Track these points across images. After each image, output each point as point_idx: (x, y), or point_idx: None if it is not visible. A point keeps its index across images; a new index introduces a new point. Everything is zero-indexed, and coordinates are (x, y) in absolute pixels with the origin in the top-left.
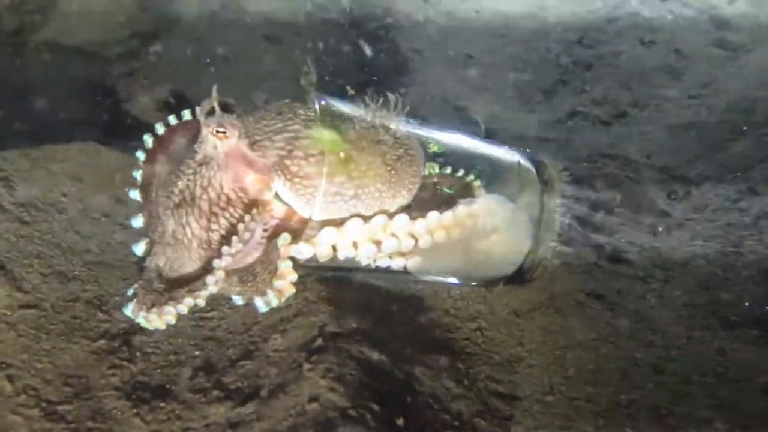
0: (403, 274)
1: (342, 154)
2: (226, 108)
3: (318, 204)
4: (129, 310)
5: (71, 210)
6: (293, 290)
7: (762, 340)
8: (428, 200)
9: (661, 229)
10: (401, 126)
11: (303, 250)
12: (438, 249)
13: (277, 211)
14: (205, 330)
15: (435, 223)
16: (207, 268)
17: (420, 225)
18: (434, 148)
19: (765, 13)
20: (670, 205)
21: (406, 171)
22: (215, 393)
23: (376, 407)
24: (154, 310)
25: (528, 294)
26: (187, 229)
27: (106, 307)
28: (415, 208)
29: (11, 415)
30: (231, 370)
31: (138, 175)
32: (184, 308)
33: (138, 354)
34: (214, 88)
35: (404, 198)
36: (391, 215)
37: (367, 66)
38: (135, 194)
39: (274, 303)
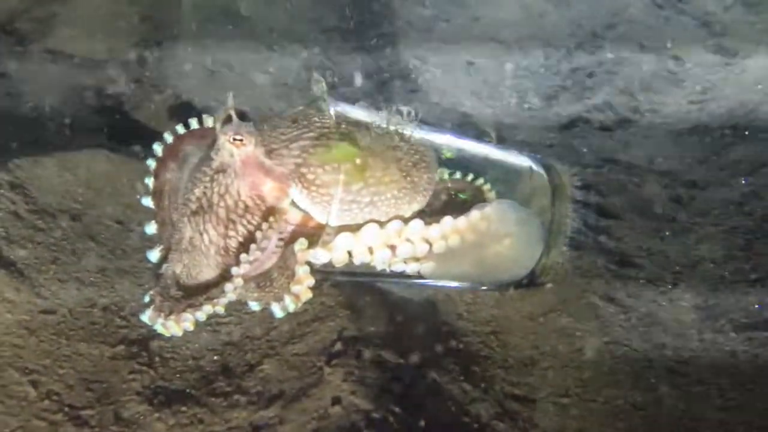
0: (417, 278)
1: (358, 162)
2: (241, 116)
3: (334, 211)
4: (146, 317)
5: (84, 217)
6: (310, 295)
7: None
8: (442, 205)
9: (667, 233)
10: (415, 132)
11: (320, 256)
12: (452, 254)
13: (293, 217)
14: (222, 335)
15: (449, 228)
16: (225, 275)
17: (434, 230)
18: (447, 154)
19: (761, 19)
20: (675, 210)
21: (421, 177)
22: (236, 397)
23: (397, 410)
24: (172, 317)
25: (541, 297)
26: (205, 236)
27: (123, 313)
28: (429, 214)
29: (36, 420)
30: (251, 375)
31: (150, 182)
32: (202, 315)
33: (157, 359)
34: (230, 96)
35: (419, 203)
36: (406, 220)
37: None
38: (147, 201)
39: (291, 308)
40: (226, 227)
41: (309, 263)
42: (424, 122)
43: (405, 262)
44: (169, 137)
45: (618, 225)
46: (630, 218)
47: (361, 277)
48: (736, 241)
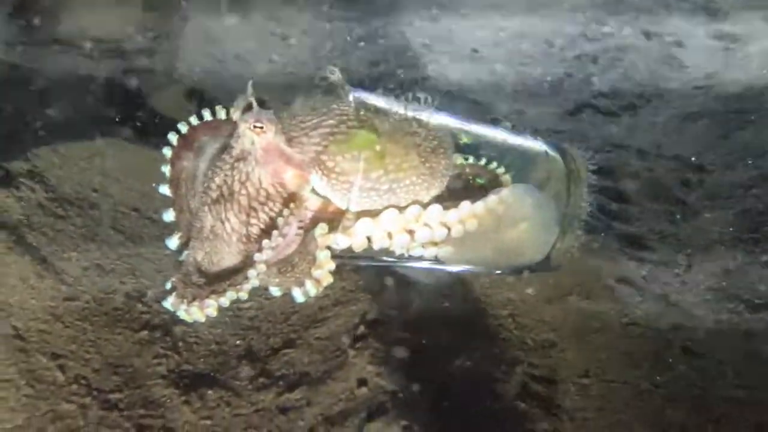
0: (435, 263)
1: (377, 148)
2: (261, 104)
3: (354, 198)
4: (169, 304)
5: (102, 205)
6: (331, 279)
7: None
8: (459, 190)
9: (678, 216)
10: (432, 117)
11: (340, 241)
12: (469, 238)
13: (313, 203)
14: (244, 320)
15: (467, 213)
16: (247, 262)
17: (452, 215)
18: (464, 139)
19: (763, 4)
20: (685, 193)
21: (439, 162)
22: (261, 380)
23: (422, 391)
24: (195, 303)
25: (557, 281)
26: (227, 225)
27: (144, 299)
28: (447, 198)
29: (65, 404)
30: (274, 358)
31: (166, 170)
32: (226, 301)
33: (180, 344)
34: (250, 84)
35: (437, 189)
36: (424, 206)
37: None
38: (164, 189)
39: (312, 293)
40: (248, 215)
41: (329, 248)
42: (439, 108)
43: (423, 247)
44: (183, 127)
45: (629, 209)
46: (641, 202)
47: (379, 261)
48: (746, 224)
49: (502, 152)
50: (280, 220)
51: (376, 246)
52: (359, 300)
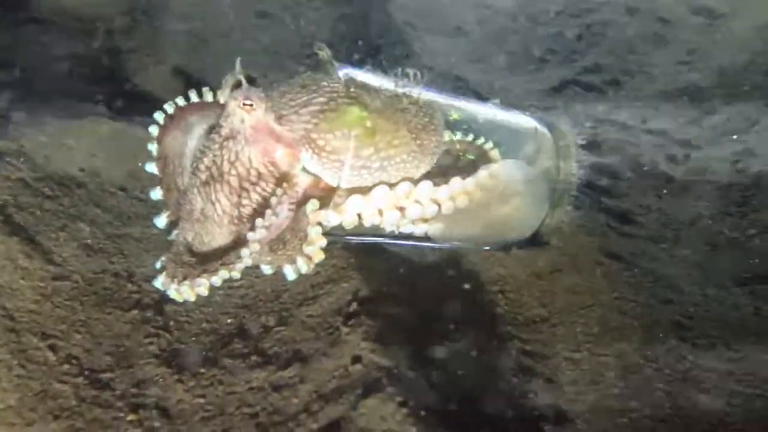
0: (425, 239)
1: (368, 125)
2: (250, 81)
3: (345, 175)
4: (159, 283)
5: (89, 184)
6: (323, 256)
7: None
8: (449, 166)
9: (665, 192)
10: (422, 94)
11: (331, 218)
12: (459, 214)
13: (304, 181)
14: (235, 298)
15: (457, 189)
16: (239, 241)
17: (443, 191)
18: (454, 116)
19: None
20: (672, 168)
21: (430, 139)
22: (254, 358)
23: (417, 367)
24: (186, 282)
25: (547, 256)
26: (218, 206)
27: (134, 279)
28: (437, 174)
29: (58, 384)
30: (267, 336)
31: (153, 148)
32: (218, 280)
33: (171, 323)
34: (238, 62)
35: (427, 165)
36: (415, 182)
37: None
38: (151, 167)
39: (304, 270)
40: (240, 196)
41: (320, 224)
42: (428, 84)
43: (413, 224)
44: (170, 107)
45: (617, 184)
46: (628, 177)
47: (370, 238)
48: (731, 198)
49: (491, 128)
50: (273, 200)
51: (366, 223)
52: (351, 277)
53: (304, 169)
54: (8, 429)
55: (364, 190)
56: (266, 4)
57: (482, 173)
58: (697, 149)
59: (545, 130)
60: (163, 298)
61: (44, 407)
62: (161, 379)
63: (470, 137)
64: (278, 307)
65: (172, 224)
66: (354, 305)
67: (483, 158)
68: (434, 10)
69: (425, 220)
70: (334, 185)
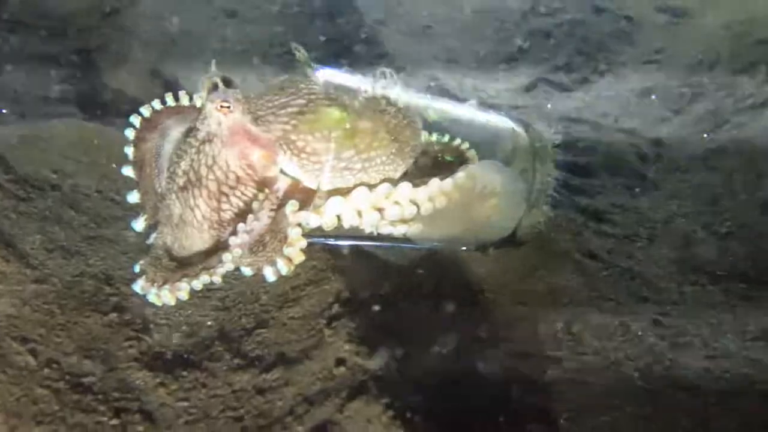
0: (403, 240)
1: (348, 127)
2: (227, 83)
3: (326, 177)
4: (138, 287)
5: (63, 186)
6: (303, 257)
7: (749, 293)
8: (427, 167)
9: (638, 190)
10: (400, 95)
11: (311, 219)
12: (438, 215)
13: (283, 183)
14: (214, 300)
15: (436, 190)
16: (220, 245)
17: (422, 192)
18: (432, 116)
19: None
20: (644, 167)
21: (408, 140)
22: (236, 361)
23: (402, 369)
24: (167, 286)
25: (525, 256)
26: (197, 212)
27: (112, 281)
28: (415, 175)
29: (39, 389)
30: (248, 339)
31: (129, 152)
32: (198, 284)
33: (151, 326)
34: (213, 63)
35: (405, 166)
36: (394, 183)
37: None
38: (128, 171)
39: (284, 271)
40: (219, 200)
41: (300, 226)
42: (405, 85)
43: (392, 225)
44: (146, 111)
45: (590, 183)
46: (601, 176)
47: (348, 240)
48: (704, 196)
49: (468, 129)
50: (255, 204)
51: (346, 224)
52: (331, 279)
53: (282, 172)
54: None
55: (344, 192)
56: (235, 3)
57: (460, 174)
58: (668, 148)
59: (522, 131)
60: (142, 301)
61: (26, 412)
62: (143, 383)
63: (447, 138)
64: (258, 309)
65: (150, 227)
66: (336, 307)
67: (460, 159)
68: (403, 8)
69: (404, 221)
70: (313, 186)
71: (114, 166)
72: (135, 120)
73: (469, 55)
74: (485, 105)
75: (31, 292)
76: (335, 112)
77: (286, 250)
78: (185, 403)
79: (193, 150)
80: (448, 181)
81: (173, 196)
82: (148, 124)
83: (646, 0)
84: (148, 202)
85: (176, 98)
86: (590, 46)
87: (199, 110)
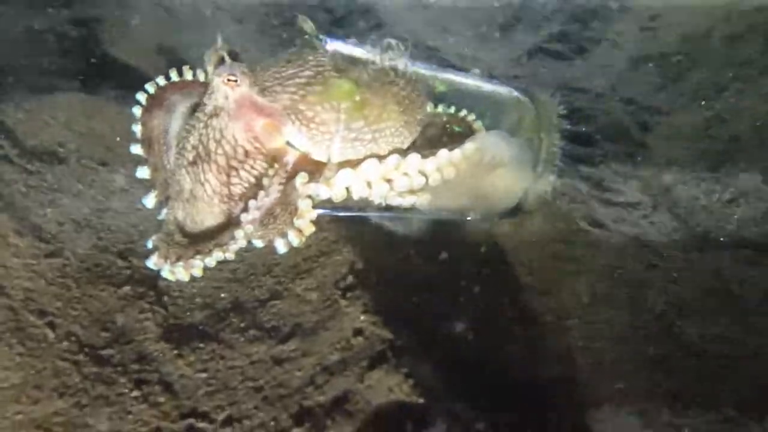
0: (412, 211)
1: (357, 99)
2: (233, 56)
3: (336, 149)
4: (152, 263)
5: (69, 160)
6: (313, 229)
7: (753, 259)
8: (435, 138)
9: (639, 159)
10: (407, 66)
11: (321, 191)
12: (446, 185)
13: (291, 157)
14: (225, 273)
15: (444, 161)
16: (231, 220)
17: (430, 163)
18: (440, 87)
19: None
20: (644, 135)
21: (416, 112)
22: (252, 332)
23: (419, 338)
24: (180, 263)
25: (532, 225)
26: (207, 186)
27: (124, 254)
28: (423, 147)
29: (59, 361)
30: (263, 310)
31: (137, 130)
32: (212, 261)
33: (165, 298)
34: (219, 37)
35: (412, 137)
36: (403, 154)
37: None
38: (136, 149)
39: (295, 243)
40: (228, 175)
41: (310, 197)
42: (412, 56)
43: (401, 196)
44: (151, 88)
45: (592, 152)
46: (602, 145)
47: (358, 211)
48: (705, 164)
49: (475, 99)
50: (265, 180)
51: (355, 196)
52: (343, 251)
53: (290, 145)
54: (15, 407)
55: (354, 163)
56: None
57: (468, 145)
58: (668, 116)
59: (527, 101)
60: (154, 274)
61: (48, 384)
62: (161, 355)
63: (453, 109)
64: (270, 281)
65: (161, 203)
66: (350, 278)
67: (468, 130)
68: None
69: (412, 192)
70: (322, 158)
71: (118, 139)
72: (141, 97)
73: (463, 24)
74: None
75: (45, 266)
76: (345, 84)
77: (297, 222)
78: (204, 375)
79: (201, 125)
80: (457, 151)
81: (183, 171)
82: (154, 101)
83: None
84: (158, 178)
85: (180, 73)
86: (585, 13)
87: (204, 84)
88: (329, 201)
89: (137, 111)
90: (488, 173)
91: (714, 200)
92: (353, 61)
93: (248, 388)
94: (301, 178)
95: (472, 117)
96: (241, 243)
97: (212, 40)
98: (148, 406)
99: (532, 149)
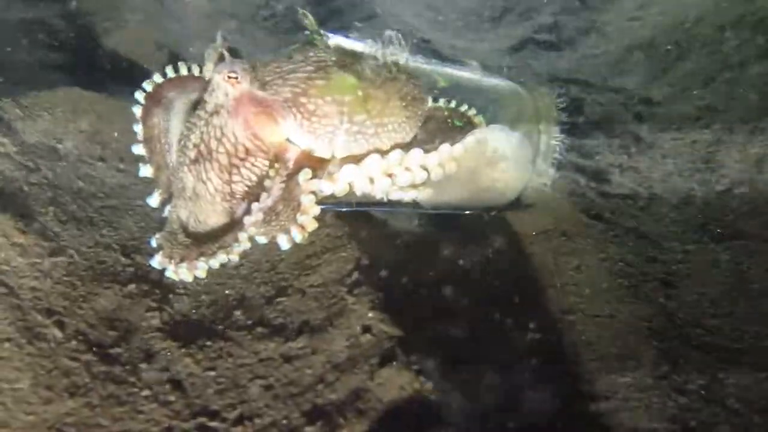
0: (413, 205)
1: (360, 94)
2: (233, 53)
3: (339, 143)
4: (156, 262)
5: (69, 156)
6: (316, 225)
7: (750, 249)
8: (436, 133)
9: (633, 150)
10: (408, 61)
11: (324, 187)
12: (447, 180)
13: (292, 154)
14: (229, 269)
15: (446, 156)
16: (234, 219)
17: (432, 158)
18: (442, 83)
19: None
20: (638, 127)
21: (418, 107)
22: (260, 329)
23: (428, 336)
24: (184, 264)
25: (532, 219)
26: (209, 185)
27: (127, 251)
28: (425, 141)
29: (69, 361)
30: (269, 307)
31: (138, 130)
32: (216, 263)
33: (170, 296)
34: (219, 35)
35: (413, 132)
36: (405, 149)
37: None
38: (138, 149)
39: (298, 239)
40: (230, 173)
41: (314, 193)
42: (413, 50)
43: (403, 190)
44: (149, 85)
45: (586, 143)
46: (596, 136)
47: (359, 207)
48: (698, 154)
49: (474, 93)
50: (267, 182)
51: (358, 191)
52: (347, 246)
53: (289, 141)
54: (27, 408)
55: (357, 159)
56: None
57: (470, 139)
58: (660, 106)
59: (526, 94)
60: (157, 270)
61: (58, 384)
62: (169, 353)
63: (454, 104)
64: (276, 278)
65: (164, 201)
66: (356, 275)
67: (469, 124)
68: None
69: (414, 187)
70: (323, 153)
71: (115, 134)
72: (139, 96)
73: (453, 14)
74: (471, 63)
75: (50, 265)
76: (348, 79)
77: (300, 218)
78: (213, 373)
79: (203, 123)
80: (458, 146)
81: (185, 169)
82: (152, 99)
83: None
84: (161, 176)
85: (176, 69)
86: (574, 4)
87: (201, 79)
88: (331, 196)
89: (137, 110)
90: (489, 167)
91: (708, 190)
92: (355, 55)
93: (258, 386)
94: (305, 175)
95: (473, 111)
96: (245, 245)
97: (204, 30)
98: (159, 405)
99: (532, 142)
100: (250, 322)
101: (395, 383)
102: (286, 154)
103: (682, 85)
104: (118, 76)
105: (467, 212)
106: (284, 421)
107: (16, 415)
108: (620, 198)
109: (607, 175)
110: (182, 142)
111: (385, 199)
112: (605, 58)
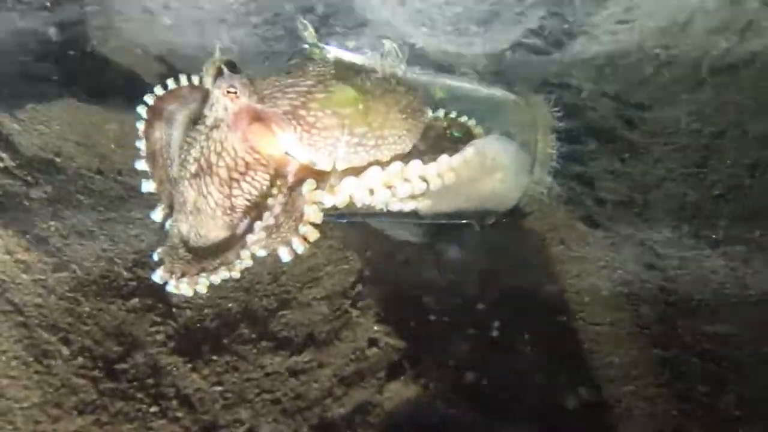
0: (413, 216)
1: (360, 107)
2: (231, 67)
3: (340, 155)
4: (158, 277)
5: (67, 169)
6: (317, 235)
7: (747, 255)
8: (435, 144)
9: (626, 155)
10: (407, 72)
11: (325, 199)
12: (446, 190)
13: (292, 167)
14: (232, 282)
15: (445, 167)
16: (235, 234)
17: (432, 168)
18: (440, 93)
19: None
20: (630, 132)
21: (417, 119)
22: (264, 343)
23: (435, 348)
24: (185, 279)
25: (531, 227)
26: (209, 199)
27: (128, 265)
28: (423, 152)
29: (76, 378)
30: (273, 320)
31: (142, 145)
32: (217, 279)
33: (174, 310)
34: (217, 48)
35: (412, 143)
36: (405, 160)
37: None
38: (141, 165)
39: (300, 250)
40: (230, 187)
41: (317, 204)
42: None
43: (402, 201)
44: (150, 99)
45: (579, 150)
46: (589, 142)
47: (359, 218)
48: (690, 159)
49: (472, 103)
50: (270, 201)
51: (358, 202)
52: (349, 258)
53: (289, 154)
54: (36, 427)
55: (357, 170)
56: None
57: (468, 150)
58: (651, 111)
59: (522, 102)
60: (160, 285)
61: (68, 403)
62: (175, 368)
63: (453, 114)
64: (278, 290)
65: (167, 215)
66: (359, 287)
67: (467, 135)
68: None
69: (413, 197)
70: (323, 166)
71: (112, 146)
72: (142, 111)
73: (442, 18)
74: (467, 72)
75: (54, 281)
76: (349, 92)
77: (302, 229)
78: (220, 387)
79: (203, 137)
80: (457, 157)
81: (186, 182)
82: (154, 113)
83: None
84: (163, 191)
85: (177, 80)
86: (562, 7)
87: (201, 89)
88: (332, 208)
89: (140, 125)
90: (488, 177)
91: (703, 196)
92: (354, 68)
93: (266, 401)
94: (309, 186)
95: (472, 122)
96: (247, 263)
97: (195, 37)
98: (168, 421)
99: (529, 151)
100: (254, 335)
101: (403, 396)
102: (286, 168)
103: (672, 89)
104: (113, 86)
105: (466, 221)
106: None
107: None
108: (615, 204)
109: (603, 181)
110: (183, 156)
111: (385, 210)
112: (595, 62)
